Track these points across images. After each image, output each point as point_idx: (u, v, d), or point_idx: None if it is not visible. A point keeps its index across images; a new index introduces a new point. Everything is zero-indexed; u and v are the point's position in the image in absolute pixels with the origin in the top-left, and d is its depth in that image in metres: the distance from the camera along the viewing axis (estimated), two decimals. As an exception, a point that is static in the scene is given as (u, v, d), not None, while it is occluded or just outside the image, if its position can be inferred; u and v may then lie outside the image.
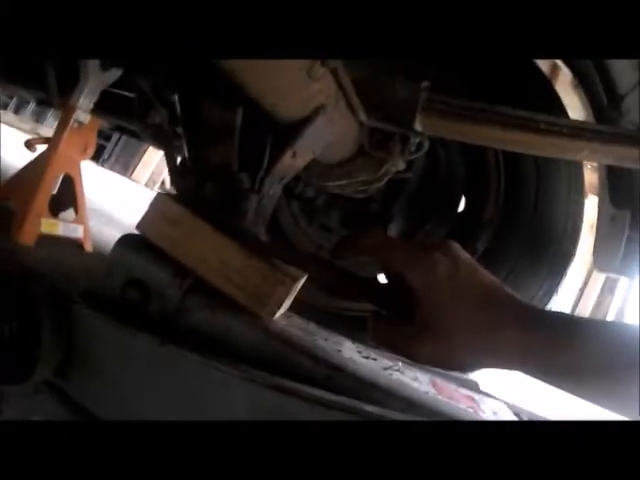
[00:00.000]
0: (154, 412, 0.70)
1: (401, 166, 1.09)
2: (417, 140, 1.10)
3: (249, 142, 0.82)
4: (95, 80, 1.76)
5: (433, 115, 1.14)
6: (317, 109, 0.76)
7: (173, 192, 0.84)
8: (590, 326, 0.65)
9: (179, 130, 0.85)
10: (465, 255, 0.72)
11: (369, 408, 0.61)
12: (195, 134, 0.81)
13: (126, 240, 0.81)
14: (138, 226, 0.79)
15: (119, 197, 5.03)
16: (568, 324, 0.65)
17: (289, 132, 0.77)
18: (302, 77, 0.70)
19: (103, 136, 8.38)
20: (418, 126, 1.08)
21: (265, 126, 0.81)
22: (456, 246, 0.73)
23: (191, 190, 0.80)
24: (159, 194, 0.79)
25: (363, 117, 0.94)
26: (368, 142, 1.01)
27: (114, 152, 9.47)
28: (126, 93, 1.74)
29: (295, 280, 0.76)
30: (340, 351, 0.80)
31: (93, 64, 1.75)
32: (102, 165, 9.14)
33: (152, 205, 0.79)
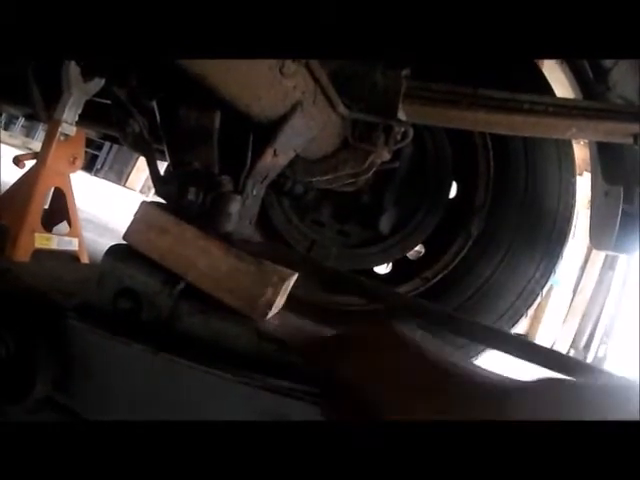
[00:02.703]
0: (152, 418, 0.70)
1: (387, 156, 1.09)
2: (401, 129, 1.09)
3: (230, 144, 0.81)
4: (78, 91, 1.76)
5: (416, 102, 1.14)
6: (294, 106, 0.76)
7: (158, 200, 0.84)
8: None
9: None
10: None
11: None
12: (175, 140, 0.80)
13: (114, 251, 0.81)
14: (125, 236, 0.79)
15: (114, 206, 5.02)
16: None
17: (268, 131, 0.77)
18: (274, 75, 0.70)
19: (95, 146, 8.36)
20: (401, 115, 1.07)
21: (245, 127, 0.80)
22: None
23: (175, 196, 0.80)
24: (143, 203, 0.79)
25: (344, 110, 0.94)
26: (351, 135, 1.00)
27: (107, 161, 9.46)
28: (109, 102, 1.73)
29: (284, 280, 0.76)
30: (334, 347, 0.79)
31: (75, 75, 1.74)
32: (96, 175, 9.13)
33: (137, 214, 0.78)
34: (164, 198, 0.81)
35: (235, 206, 0.79)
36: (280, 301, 0.82)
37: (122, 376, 0.72)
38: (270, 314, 0.77)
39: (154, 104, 0.83)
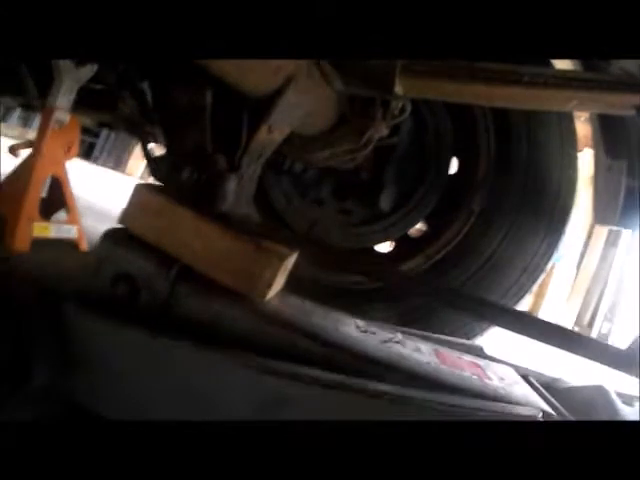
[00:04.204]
0: (153, 404, 0.69)
1: (384, 132, 1.07)
2: (399, 104, 1.07)
3: (225, 122, 0.80)
4: (70, 78, 1.72)
5: (413, 76, 1.11)
6: (287, 80, 0.74)
7: (153, 182, 0.82)
8: None
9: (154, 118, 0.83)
10: None
11: (368, 384, 0.60)
12: (167, 120, 0.79)
13: (110, 235, 0.80)
14: (120, 220, 0.78)
15: (113, 192, 5.00)
16: None
17: (262, 107, 0.75)
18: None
19: (92, 133, 8.31)
20: (399, 89, 1.05)
21: (239, 104, 0.79)
22: None
23: (169, 177, 0.78)
24: (138, 185, 0.77)
25: (340, 85, 0.92)
26: (348, 110, 0.98)
27: (105, 148, 9.40)
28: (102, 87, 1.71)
29: (283, 259, 0.74)
30: (338, 328, 0.78)
31: (66, 62, 1.71)
32: (94, 162, 9.09)
33: (132, 197, 0.77)
34: (158, 179, 0.79)
35: (231, 185, 0.78)
36: (280, 281, 0.80)
37: (121, 361, 0.71)
38: (270, 294, 0.76)
39: (145, 86, 0.82)
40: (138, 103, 0.82)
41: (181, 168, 0.77)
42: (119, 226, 0.79)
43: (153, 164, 0.79)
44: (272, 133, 0.78)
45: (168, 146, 0.79)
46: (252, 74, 0.71)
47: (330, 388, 0.60)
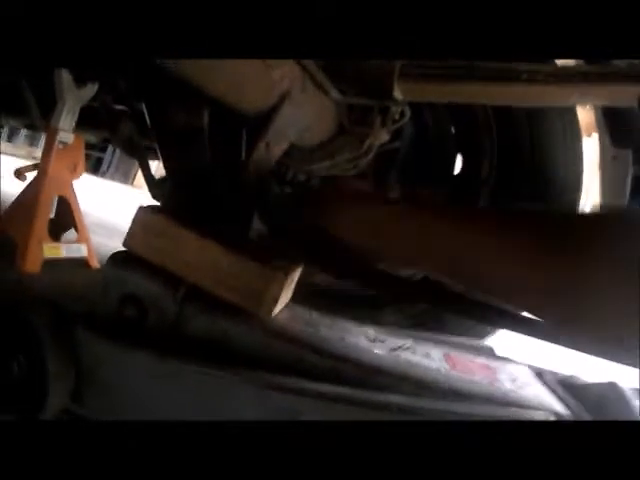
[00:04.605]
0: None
1: (385, 138, 1.07)
2: (399, 109, 1.07)
3: (223, 141, 0.80)
4: (72, 99, 1.74)
5: (411, 81, 1.11)
6: (282, 96, 0.74)
7: (155, 203, 0.83)
8: None
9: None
10: None
11: (375, 396, 0.60)
12: (166, 141, 0.79)
13: (116, 258, 0.80)
14: (125, 243, 0.78)
15: (122, 207, 5.03)
16: None
17: (258, 124, 0.75)
18: (259, 67, 0.68)
19: (99, 148, 8.38)
20: (397, 94, 1.05)
21: (237, 122, 0.79)
22: None
23: (170, 198, 0.78)
24: (140, 208, 0.78)
25: (336, 95, 0.92)
26: (347, 119, 0.98)
27: (112, 162, 9.48)
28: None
29: (288, 274, 0.74)
30: (344, 339, 0.78)
31: (68, 82, 1.73)
32: (102, 177, 9.16)
33: (135, 220, 0.77)
34: (159, 200, 0.80)
35: (232, 203, 0.78)
36: (286, 295, 0.81)
37: (131, 384, 0.72)
38: (276, 310, 0.76)
39: (143, 107, 0.82)
40: (136, 124, 0.82)
41: (182, 188, 0.77)
42: (124, 249, 0.79)
43: (153, 185, 0.80)
44: (270, 149, 0.78)
45: (167, 167, 0.80)
46: (247, 92, 0.71)
47: (337, 402, 0.60)
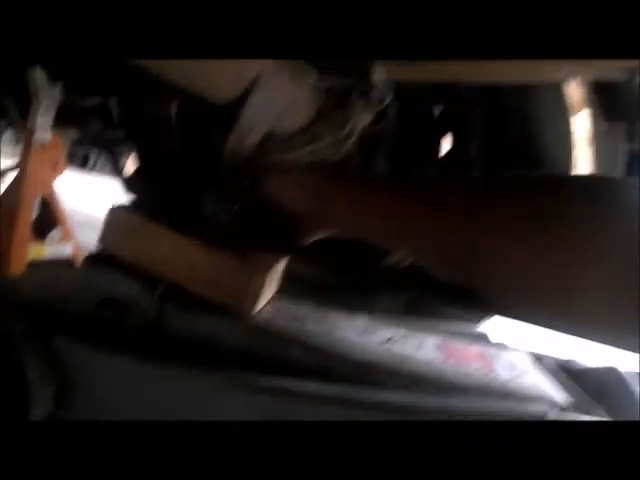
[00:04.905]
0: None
1: (368, 120, 1.03)
2: (381, 90, 1.03)
3: (195, 132, 0.77)
4: (47, 97, 1.69)
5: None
6: (252, 81, 0.70)
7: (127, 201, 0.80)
8: None
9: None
10: None
11: (366, 394, 0.57)
12: (135, 134, 0.76)
13: (91, 260, 0.78)
14: (99, 243, 0.75)
15: (111, 201, 4.99)
16: None
17: (230, 113, 0.72)
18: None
19: (85, 144, 8.28)
20: (379, 74, 1.01)
21: (208, 111, 0.75)
22: None
23: (144, 194, 0.75)
24: (113, 207, 0.75)
25: (313, 78, 0.88)
26: (325, 103, 0.94)
27: (100, 157, 9.36)
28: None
29: (269, 268, 0.71)
30: (333, 333, 0.75)
31: (41, 81, 1.68)
32: (90, 172, 9.07)
33: (108, 219, 0.75)
34: (134, 197, 0.77)
35: (209, 195, 0.75)
36: (270, 289, 0.78)
37: (113, 387, 0.69)
38: (259, 305, 0.73)
39: (111, 101, 0.79)
40: (105, 119, 0.79)
41: (155, 183, 0.74)
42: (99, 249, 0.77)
43: (124, 181, 0.77)
44: (244, 138, 0.74)
45: (139, 162, 0.76)
46: (214, 79, 0.67)
47: (327, 402, 0.57)
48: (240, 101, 0.71)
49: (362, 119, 0.99)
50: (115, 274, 0.74)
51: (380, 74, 1.02)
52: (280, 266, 0.78)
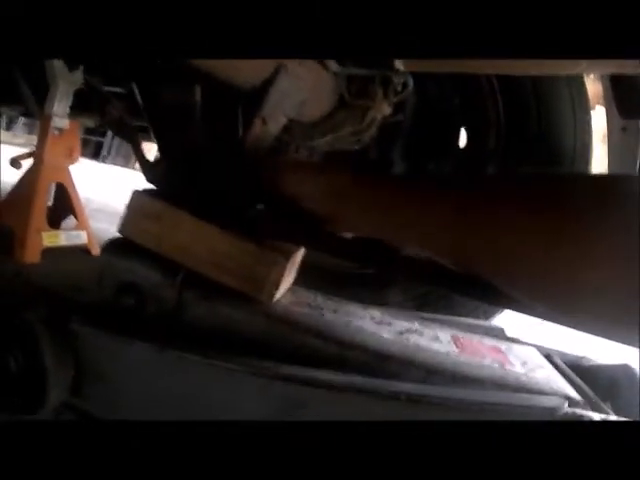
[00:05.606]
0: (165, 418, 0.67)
1: (388, 110, 1.02)
2: (401, 80, 1.03)
3: (218, 118, 0.76)
4: (65, 83, 1.69)
5: (412, 50, 1.06)
6: (277, 68, 0.70)
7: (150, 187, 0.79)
8: None
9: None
10: None
11: (383, 385, 0.57)
12: (157, 121, 0.75)
13: (111, 246, 0.77)
14: (120, 229, 0.75)
15: (124, 191, 5.01)
16: None
17: (253, 99, 0.71)
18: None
19: (98, 133, 8.30)
20: (399, 65, 1.00)
21: (232, 98, 0.75)
22: None
23: (165, 181, 0.75)
24: (135, 192, 0.75)
25: (335, 66, 0.87)
26: (347, 92, 0.94)
27: (113, 146, 9.39)
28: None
29: (289, 257, 0.71)
30: (350, 323, 0.75)
31: (59, 67, 1.68)
32: (103, 161, 9.11)
33: (129, 205, 0.74)
34: (153, 183, 0.76)
35: (230, 182, 0.75)
36: (288, 278, 0.77)
37: (131, 375, 0.69)
38: (278, 294, 0.73)
39: (133, 86, 0.78)
40: (126, 104, 0.79)
41: (176, 170, 0.73)
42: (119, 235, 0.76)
43: (146, 167, 0.76)
44: (267, 125, 0.74)
45: (161, 148, 0.76)
46: (239, 66, 0.67)
47: (343, 391, 0.57)
48: (264, 88, 0.70)
49: (382, 109, 0.98)
50: (134, 260, 0.74)
51: (400, 64, 1.01)
52: (299, 255, 0.78)
